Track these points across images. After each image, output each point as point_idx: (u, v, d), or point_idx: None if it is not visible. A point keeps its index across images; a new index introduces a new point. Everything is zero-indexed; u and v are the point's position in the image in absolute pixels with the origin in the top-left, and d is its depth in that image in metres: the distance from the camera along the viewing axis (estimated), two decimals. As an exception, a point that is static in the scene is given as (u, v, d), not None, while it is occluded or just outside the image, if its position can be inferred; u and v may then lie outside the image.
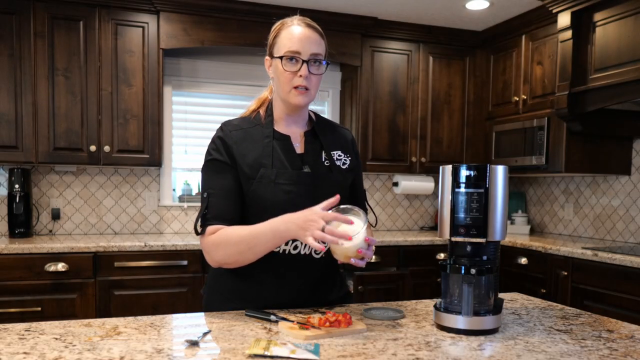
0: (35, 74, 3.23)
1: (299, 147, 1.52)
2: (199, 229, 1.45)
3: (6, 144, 3.19)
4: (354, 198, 1.61)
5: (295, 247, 1.48)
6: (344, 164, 1.56)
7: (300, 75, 1.43)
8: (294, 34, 1.45)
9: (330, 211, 1.30)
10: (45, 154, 3.26)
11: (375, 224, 1.70)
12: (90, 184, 3.69)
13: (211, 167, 1.48)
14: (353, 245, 1.27)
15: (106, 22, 3.34)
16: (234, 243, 1.38)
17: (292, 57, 1.43)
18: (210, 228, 1.42)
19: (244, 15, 3.59)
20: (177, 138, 3.91)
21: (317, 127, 1.57)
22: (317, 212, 1.28)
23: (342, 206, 1.33)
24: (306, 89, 1.45)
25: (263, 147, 1.47)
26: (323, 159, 1.53)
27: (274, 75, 1.49)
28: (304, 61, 1.43)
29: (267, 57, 1.52)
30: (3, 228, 3.50)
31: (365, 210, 1.65)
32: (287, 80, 1.45)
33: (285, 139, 1.51)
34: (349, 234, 1.26)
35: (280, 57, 1.44)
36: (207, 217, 1.43)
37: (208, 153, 1.50)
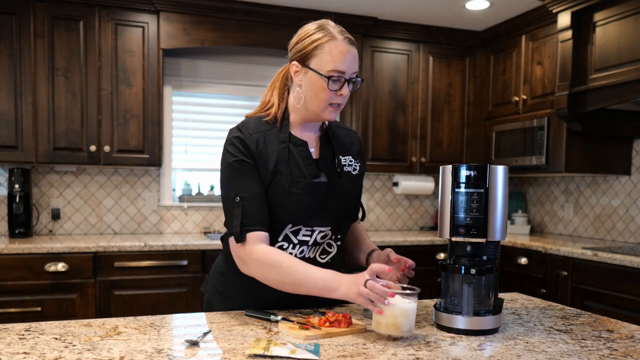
0: (35, 74, 3.22)
1: (314, 152, 1.49)
2: (238, 236, 1.36)
3: (6, 144, 3.19)
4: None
5: (302, 252, 1.47)
6: (354, 169, 1.54)
7: (341, 94, 1.40)
8: (341, 51, 1.38)
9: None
10: (45, 154, 3.26)
11: (363, 218, 1.68)
12: (90, 184, 3.69)
13: (237, 168, 1.40)
14: (389, 315, 1.20)
15: (106, 22, 3.34)
16: (282, 272, 1.33)
17: (338, 77, 1.38)
18: (251, 235, 1.36)
19: (244, 15, 3.59)
20: (177, 138, 3.91)
21: (330, 131, 1.54)
22: (363, 280, 1.24)
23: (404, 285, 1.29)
24: (339, 104, 1.43)
25: (279, 152, 1.42)
26: (336, 166, 1.50)
27: (307, 86, 1.41)
28: (345, 80, 1.39)
29: (296, 63, 1.42)
30: (3, 228, 3.50)
31: (357, 210, 1.63)
32: (327, 98, 1.40)
33: (303, 145, 1.47)
34: (387, 297, 1.20)
35: (327, 77, 1.37)
36: (245, 223, 1.36)
37: (230, 154, 1.42)
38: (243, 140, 1.41)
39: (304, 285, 1.31)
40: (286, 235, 1.44)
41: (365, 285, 1.21)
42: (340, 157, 1.52)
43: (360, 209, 1.66)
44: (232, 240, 1.39)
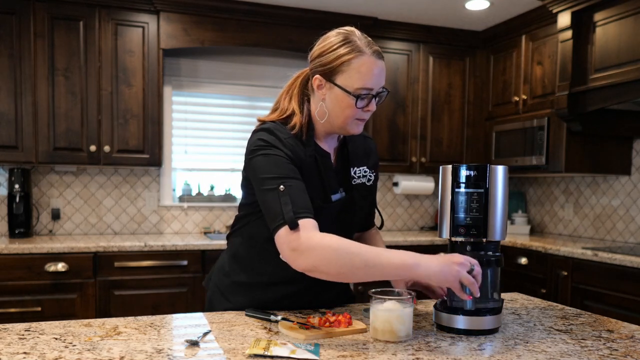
0: (35, 74, 3.22)
1: (333, 164, 1.46)
2: (293, 222, 1.23)
3: (6, 144, 3.19)
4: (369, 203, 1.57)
5: None
6: (368, 180, 1.51)
7: (368, 110, 1.35)
8: (369, 68, 1.31)
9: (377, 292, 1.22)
10: (45, 154, 3.26)
11: (381, 226, 1.64)
12: (90, 184, 3.69)
13: (276, 159, 1.31)
14: (384, 321, 1.20)
15: (106, 22, 3.34)
16: (351, 253, 1.19)
17: (366, 94, 1.32)
18: (304, 222, 1.23)
19: (244, 15, 3.59)
20: (177, 138, 3.91)
21: (348, 140, 1.49)
22: (464, 258, 1.19)
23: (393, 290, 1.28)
24: (365, 118, 1.38)
25: (305, 164, 1.36)
26: (350, 178, 1.47)
27: (332, 102, 1.35)
28: (373, 96, 1.34)
29: (320, 77, 1.35)
30: (3, 228, 3.50)
31: (372, 215, 1.60)
32: (353, 115, 1.34)
33: (327, 156, 1.43)
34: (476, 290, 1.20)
35: (355, 96, 1.31)
36: (296, 210, 1.24)
37: (265, 148, 1.33)
38: (279, 140, 1.34)
39: (377, 265, 1.18)
40: None
41: (471, 272, 1.18)
42: (356, 168, 1.48)
43: (380, 217, 1.61)
44: (282, 233, 1.24)
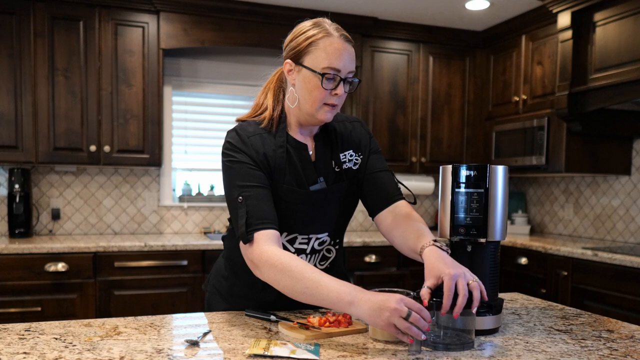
0: (35, 74, 3.22)
1: (311, 155, 1.44)
2: (245, 237, 1.27)
3: (6, 144, 3.19)
4: (375, 183, 1.51)
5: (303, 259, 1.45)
6: (355, 164, 1.48)
7: (336, 94, 1.34)
8: (336, 48, 1.32)
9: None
10: (45, 154, 3.26)
11: (415, 201, 1.57)
12: (90, 184, 3.69)
13: (237, 168, 1.33)
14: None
15: (106, 22, 3.34)
16: (293, 278, 1.20)
17: (333, 75, 1.32)
18: (259, 235, 1.27)
19: (244, 15, 3.59)
20: (177, 138, 3.91)
21: (329, 127, 1.48)
22: (401, 301, 1.08)
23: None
24: (334, 105, 1.36)
25: (276, 158, 1.37)
26: (333, 165, 1.45)
27: (301, 85, 1.35)
28: (341, 79, 1.33)
29: (290, 62, 1.37)
30: (3, 228, 3.50)
31: (394, 188, 1.54)
32: (321, 97, 1.33)
33: (302, 147, 1.41)
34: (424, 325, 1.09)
35: (321, 74, 1.31)
36: (250, 222, 1.27)
37: (229, 155, 1.36)
38: (242, 141, 1.36)
39: (315, 295, 1.18)
40: (282, 244, 1.39)
41: (407, 318, 1.07)
42: (339, 153, 1.46)
43: (412, 194, 1.54)
44: (241, 244, 1.31)
